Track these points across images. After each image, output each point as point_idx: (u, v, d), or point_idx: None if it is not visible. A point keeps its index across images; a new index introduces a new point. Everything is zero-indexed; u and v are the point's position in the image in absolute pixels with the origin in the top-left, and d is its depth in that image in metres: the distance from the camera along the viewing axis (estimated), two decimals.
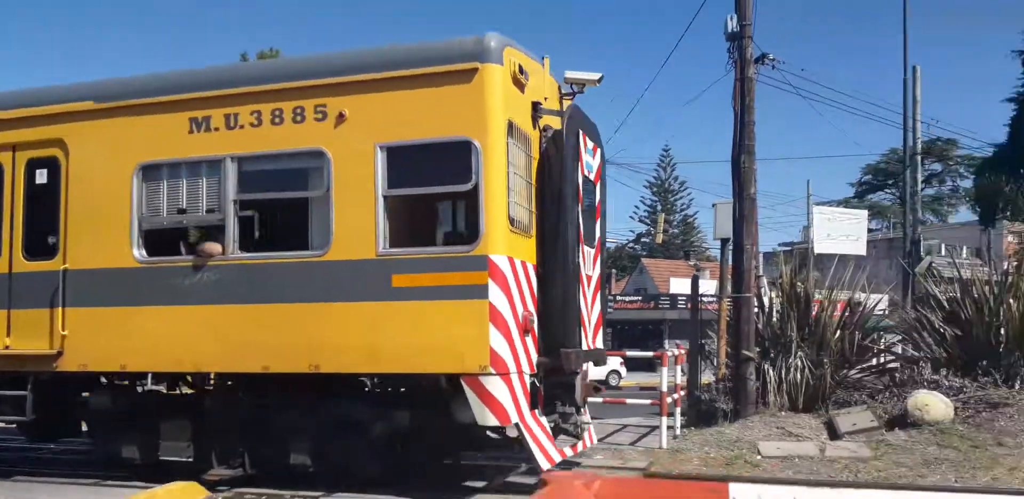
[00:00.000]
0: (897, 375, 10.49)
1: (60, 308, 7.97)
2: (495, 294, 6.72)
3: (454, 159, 6.94)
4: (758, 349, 10.22)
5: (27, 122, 8.26)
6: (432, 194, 7.61)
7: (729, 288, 11.44)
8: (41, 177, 8.35)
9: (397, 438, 7.36)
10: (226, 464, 7.72)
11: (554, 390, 7.79)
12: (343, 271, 7.14)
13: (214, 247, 7.57)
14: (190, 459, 7.85)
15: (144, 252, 7.86)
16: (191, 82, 7.96)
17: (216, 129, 7.65)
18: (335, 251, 7.17)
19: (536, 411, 7.39)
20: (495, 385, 6.68)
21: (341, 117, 7.21)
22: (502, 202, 6.86)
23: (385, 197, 7.08)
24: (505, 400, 6.69)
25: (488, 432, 7.35)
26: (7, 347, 8.19)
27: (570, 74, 8.18)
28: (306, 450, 7.44)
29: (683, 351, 12.73)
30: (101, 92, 8.17)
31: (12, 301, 8.23)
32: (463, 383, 6.74)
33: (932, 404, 8.76)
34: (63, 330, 7.92)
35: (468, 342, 6.73)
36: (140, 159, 7.89)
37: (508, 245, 6.88)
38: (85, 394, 8.65)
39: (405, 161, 7.13)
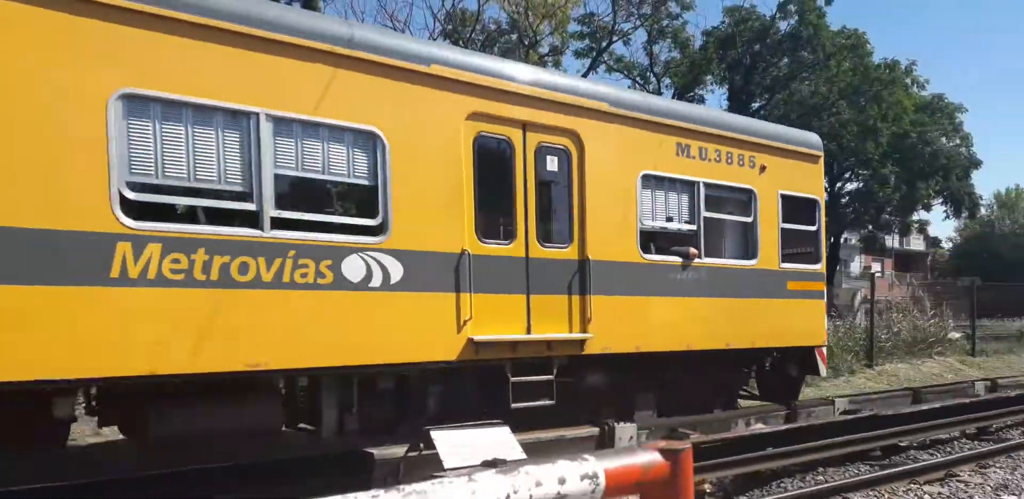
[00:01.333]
0: None
1: (587, 296, 8.57)
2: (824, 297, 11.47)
3: (807, 209, 11.26)
4: None
5: (539, 104, 8.11)
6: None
7: None
8: (551, 164, 8.45)
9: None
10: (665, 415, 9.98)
11: None
12: (766, 277, 10.53)
13: (695, 251, 9.63)
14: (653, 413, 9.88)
15: (642, 250, 9.12)
16: (681, 113, 9.82)
17: (693, 157, 9.71)
18: (760, 262, 10.48)
19: None
20: (823, 353, 11.50)
21: (763, 168, 10.54)
22: (824, 240, 11.56)
23: (780, 228, 10.77)
24: None
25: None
26: (529, 332, 8.15)
27: None
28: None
29: None
30: (614, 99, 9.04)
31: (530, 286, 8.19)
32: (815, 352, 11.33)
33: None
34: (590, 315, 8.54)
35: (818, 326, 11.39)
36: (643, 168, 9.14)
37: None
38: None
39: (787, 205, 10.87)
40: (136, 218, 5.84)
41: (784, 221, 10.80)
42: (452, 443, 6.81)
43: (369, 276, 6.94)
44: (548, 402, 8.25)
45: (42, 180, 5.47)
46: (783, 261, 10.75)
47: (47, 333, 5.43)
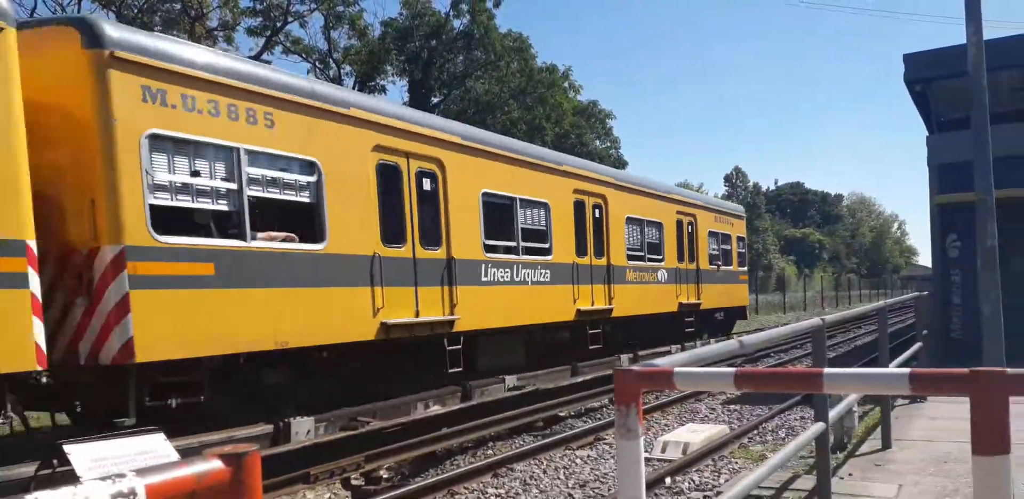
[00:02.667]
0: None
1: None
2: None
3: (742, 241, 24.06)
4: None
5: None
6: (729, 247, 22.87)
7: None
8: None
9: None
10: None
11: None
12: (734, 273, 22.92)
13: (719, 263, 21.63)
14: None
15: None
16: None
17: (722, 220, 22.52)
18: (733, 267, 22.84)
19: None
20: (746, 309, 25.57)
21: (732, 224, 22.96)
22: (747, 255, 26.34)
23: (737, 250, 23.31)
24: None
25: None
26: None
27: None
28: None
29: None
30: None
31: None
32: (745, 309, 24.52)
33: None
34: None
35: (747, 296, 25.24)
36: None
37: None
38: None
39: (738, 240, 23.54)
40: None
41: (738, 247, 23.03)
42: (91, 457, 5.80)
43: None
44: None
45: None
46: (738, 266, 23.12)
47: None
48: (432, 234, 10.74)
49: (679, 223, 18.70)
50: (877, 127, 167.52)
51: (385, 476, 8.08)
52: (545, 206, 13.21)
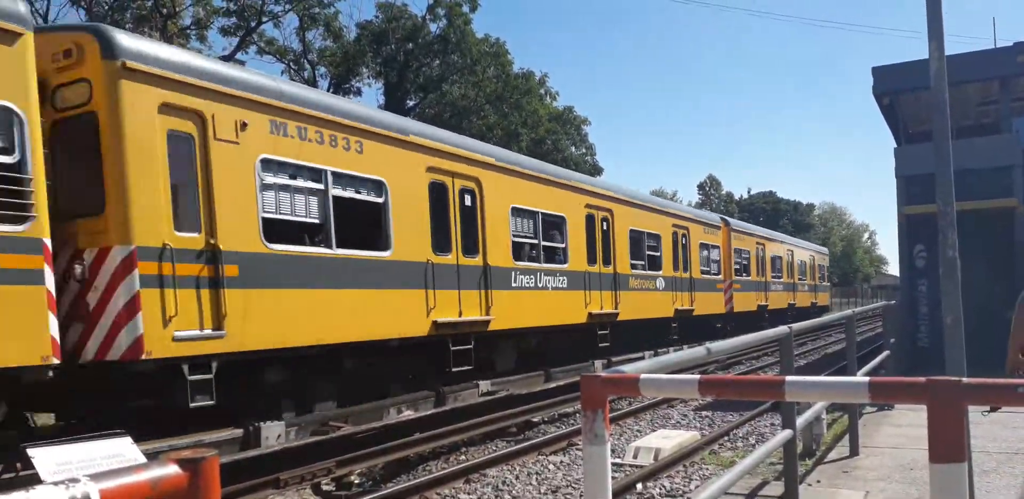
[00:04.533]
0: None
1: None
2: None
3: (816, 263, 39.84)
4: None
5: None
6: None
7: None
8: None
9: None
10: None
11: None
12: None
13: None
14: None
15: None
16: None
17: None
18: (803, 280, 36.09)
19: None
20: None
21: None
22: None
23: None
24: None
25: None
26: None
27: None
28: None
29: None
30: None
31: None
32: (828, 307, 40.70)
33: None
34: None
35: (829, 298, 43.34)
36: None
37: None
38: None
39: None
40: None
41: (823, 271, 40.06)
42: (57, 461, 5.75)
43: None
44: None
45: None
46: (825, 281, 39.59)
47: None
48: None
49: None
50: (849, 137, 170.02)
51: (356, 481, 8.07)
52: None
